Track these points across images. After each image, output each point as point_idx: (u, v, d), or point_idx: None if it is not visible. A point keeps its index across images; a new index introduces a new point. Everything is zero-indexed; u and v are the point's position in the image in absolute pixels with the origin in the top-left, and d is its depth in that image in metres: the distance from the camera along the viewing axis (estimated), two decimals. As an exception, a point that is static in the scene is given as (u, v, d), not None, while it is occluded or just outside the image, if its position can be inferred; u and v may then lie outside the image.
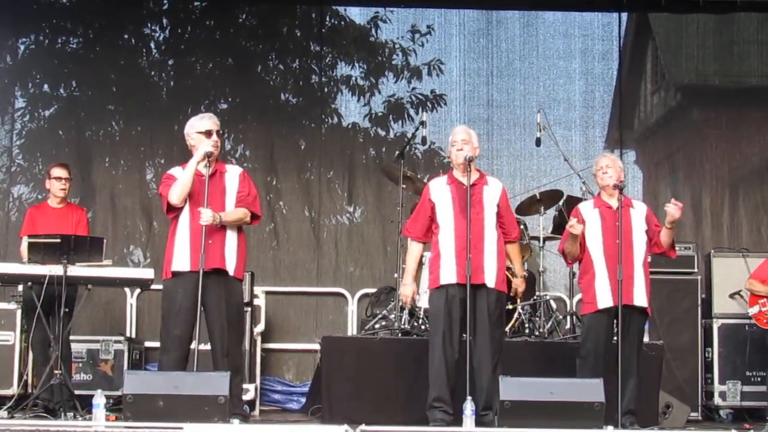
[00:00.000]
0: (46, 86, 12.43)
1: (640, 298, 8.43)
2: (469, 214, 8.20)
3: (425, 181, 10.09)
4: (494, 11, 12.26)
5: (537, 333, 9.80)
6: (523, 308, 9.86)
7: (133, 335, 11.22)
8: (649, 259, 8.71)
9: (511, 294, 8.94)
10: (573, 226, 8.42)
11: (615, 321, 8.45)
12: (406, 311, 9.74)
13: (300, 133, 12.38)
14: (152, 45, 12.60)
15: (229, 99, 12.53)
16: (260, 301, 10.88)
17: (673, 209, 8.43)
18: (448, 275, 8.27)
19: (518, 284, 8.76)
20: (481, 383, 8.07)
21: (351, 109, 12.45)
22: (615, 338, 8.55)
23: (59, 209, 9.68)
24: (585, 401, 7.53)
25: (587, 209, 8.70)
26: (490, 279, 8.23)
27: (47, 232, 9.12)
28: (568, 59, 12.38)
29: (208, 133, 8.25)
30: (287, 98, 12.63)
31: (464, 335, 8.25)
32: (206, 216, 7.99)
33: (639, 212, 8.64)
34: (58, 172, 9.66)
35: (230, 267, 8.18)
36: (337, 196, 12.20)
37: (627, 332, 8.33)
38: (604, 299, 8.44)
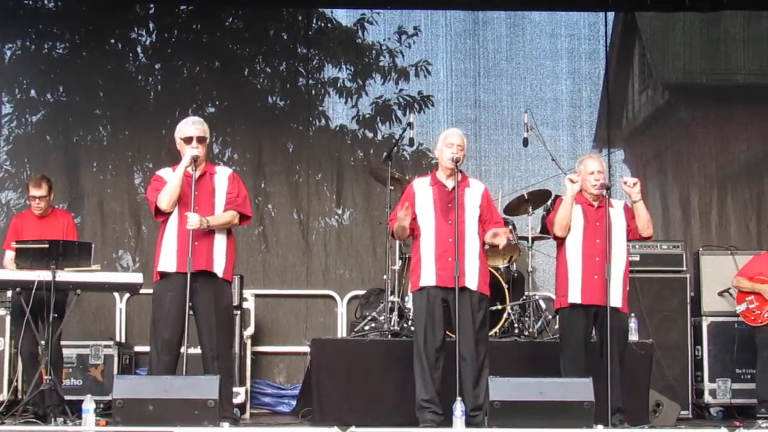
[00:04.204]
0: (33, 92, 12.40)
1: (615, 298, 8.40)
2: (456, 216, 8.21)
3: (413, 182, 10.10)
4: (480, 12, 12.27)
5: (526, 333, 9.81)
6: (512, 308, 9.88)
7: (123, 340, 11.21)
8: (630, 258, 8.76)
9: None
10: (572, 180, 8.50)
11: (591, 319, 8.50)
12: (395, 313, 9.75)
13: (288, 136, 12.38)
14: (139, 49, 12.57)
15: (217, 102, 12.53)
16: (249, 304, 10.87)
17: (628, 189, 8.53)
18: (428, 278, 8.30)
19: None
20: (468, 384, 8.07)
21: (338, 111, 12.44)
22: (593, 337, 8.60)
23: (44, 216, 9.63)
24: (575, 401, 7.54)
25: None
26: (472, 281, 8.25)
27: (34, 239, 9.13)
28: (555, 59, 12.39)
29: (188, 140, 8.25)
30: (275, 101, 12.63)
31: (450, 335, 8.29)
32: (193, 221, 7.99)
33: (618, 212, 8.64)
34: (32, 191, 9.54)
35: (218, 269, 8.19)
36: (325, 198, 12.20)
37: (607, 330, 8.32)
38: (575, 295, 8.47)
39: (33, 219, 9.63)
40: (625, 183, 8.58)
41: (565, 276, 8.55)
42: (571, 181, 8.51)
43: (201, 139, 8.25)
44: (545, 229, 10.09)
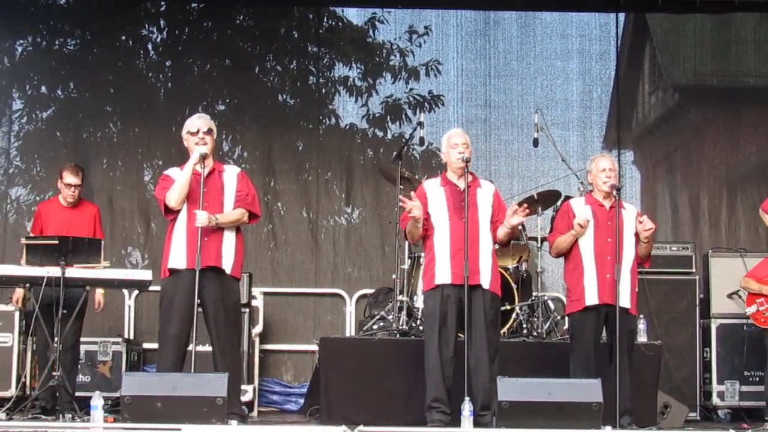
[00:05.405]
0: (43, 88, 12.42)
1: (624, 299, 8.42)
2: (466, 215, 8.21)
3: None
4: (491, 12, 12.26)
5: (535, 333, 9.81)
6: (521, 308, 9.87)
7: (131, 337, 11.23)
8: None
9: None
10: (581, 224, 8.47)
11: (602, 320, 8.49)
12: (404, 312, 9.75)
13: (298, 134, 12.38)
14: (150, 47, 12.59)
15: (227, 100, 12.52)
16: (258, 302, 10.88)
17: (640, 228, 8.53)
18: (443, 276, 8.29)
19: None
20: (478, 383, 8.08)
21: (349, 110, 12.44)
22: (603, 337, 8.58)
23: (73, 206, 9.65)
24: (583, 402, 7.53)
25: (579, 207, 8.72)
26: (485, 280, 8.26)
27: (62, 229, 9.21)
28: (566, 60, 12.38)
29: (194, 132, 8.28)
30: (285, 99, 12.62)
31: (460, 335, 8.28)
32: (201, 218, 8.01)
33: (630, 214, 8.65)
34: (69, 178, 9.56)
35: (227, 265, 8.20)
36: (335, 197, 12.20)
37: (617, 331, 8.32)
38: (592, 297, 8.46)
39: (60, 208, 9.66)
40: (641, 222, 8.57)
41: (580, 278, 8.54)
42: (580, 225, 8.51)
43: (207, 131, 8.28)
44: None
